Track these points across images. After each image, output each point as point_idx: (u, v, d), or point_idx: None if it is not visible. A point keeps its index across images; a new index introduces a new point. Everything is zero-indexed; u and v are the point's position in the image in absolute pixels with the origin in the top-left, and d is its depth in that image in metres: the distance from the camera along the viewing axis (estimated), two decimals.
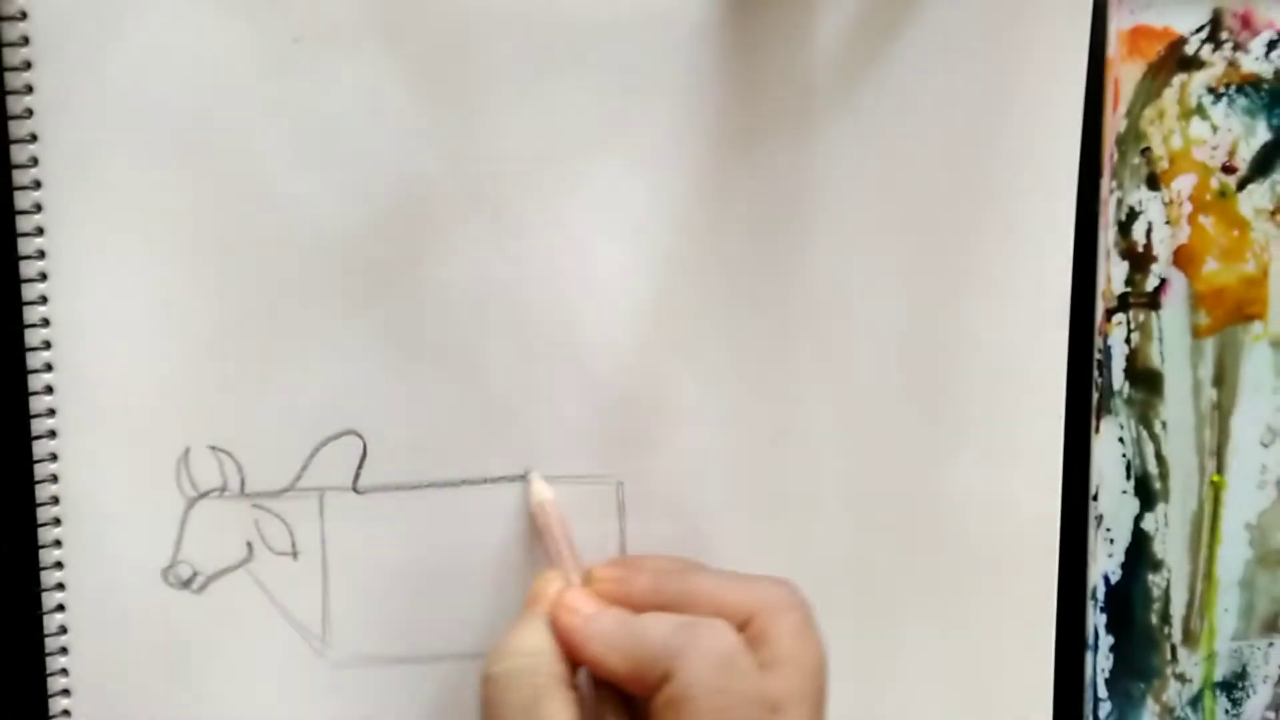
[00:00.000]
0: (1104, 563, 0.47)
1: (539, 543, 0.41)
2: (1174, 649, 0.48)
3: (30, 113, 0.37)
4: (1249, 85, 0.46)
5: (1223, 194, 0.46)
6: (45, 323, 0.38)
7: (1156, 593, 0.47)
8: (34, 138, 0.37)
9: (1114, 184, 0.45)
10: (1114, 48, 0.45)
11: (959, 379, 0.44)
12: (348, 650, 0.41)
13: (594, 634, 0.36)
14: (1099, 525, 0.47)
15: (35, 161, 0.38)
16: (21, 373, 0.38)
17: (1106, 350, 0.46)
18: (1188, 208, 0.46)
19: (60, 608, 0.39)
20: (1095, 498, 0.46)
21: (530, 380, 0.41)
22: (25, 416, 0.38)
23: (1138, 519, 0.47)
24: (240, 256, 0.39)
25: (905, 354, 0.43)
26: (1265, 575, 0.48)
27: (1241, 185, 0.46)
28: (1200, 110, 0.46)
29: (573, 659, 0.37)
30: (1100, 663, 0.47)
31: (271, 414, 0.40)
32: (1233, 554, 0.48)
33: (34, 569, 0.39)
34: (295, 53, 0.39)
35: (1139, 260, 0.46)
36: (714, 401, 0.42)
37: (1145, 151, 0.45)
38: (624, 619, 0.37)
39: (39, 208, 0.38)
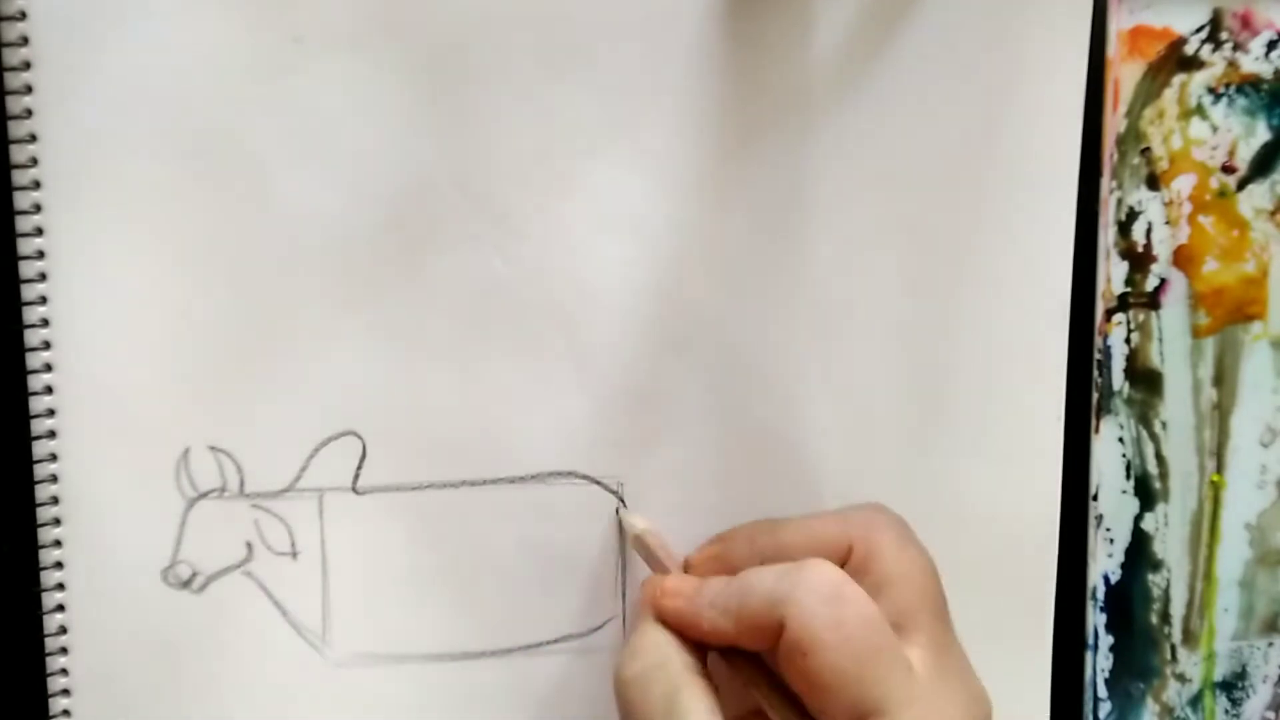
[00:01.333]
0: (1104, 563, 0.47)
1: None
2: (1174, 649, 0.48)
3: (30, 113, 0.37)
4: (1249, 85, 0.46)
5: (1222, 194, 0.46)
6: (45, 323, 0.38)
7: (1156, 593, 0.47)
8: (34, 138, 0.37)
9: (1114, 184, 0.45)
10: (1114, 48, 0.45)
11: (959, 379, 0.44)
12: (348, 650, 0.41)
13: (701, 608, 0.37)
14: (1099, 525, 0.47)
15: (35, 161, 0.38)
16: (21, 373, 0.38)
17: (1106, 350, 0.46)
18: (1187, 208, 0.46)
19: (60, 608, 0.39)
20: (1095, 498, 0.46)
21: (530, 380, 0.41)
22: (25, 416, 0.38)
23: (1138, 519, 0.47)
24: (240, 256, 0.39)
25: (905, 354, 0.43)
26: (1265, 575, 0.48)
27: (1241, 185, 0.46)
28: (1200, 110, 0.46)
29: (692, 641, 0.37)
30: (1100, 663, 0.47)
31: (271, 414, 0.40)
32: (1232, 554, 0.48)
33: (34, 569, 0.39)
34: (295, 53, 0.39)
35: (1139, 260, 0.46)
36: (714, 401, 0.42)
37: (1145, 151, 0.45)
38: (726, 583, 0.37)
39: (39, 208, 0.38)
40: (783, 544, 0.38)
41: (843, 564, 0.37)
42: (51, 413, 0.38)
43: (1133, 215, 0.46)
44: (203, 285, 0.39)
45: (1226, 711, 0.49)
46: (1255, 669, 0.49)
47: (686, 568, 0.40)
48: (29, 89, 0.37)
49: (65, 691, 0.39)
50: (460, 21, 0.39)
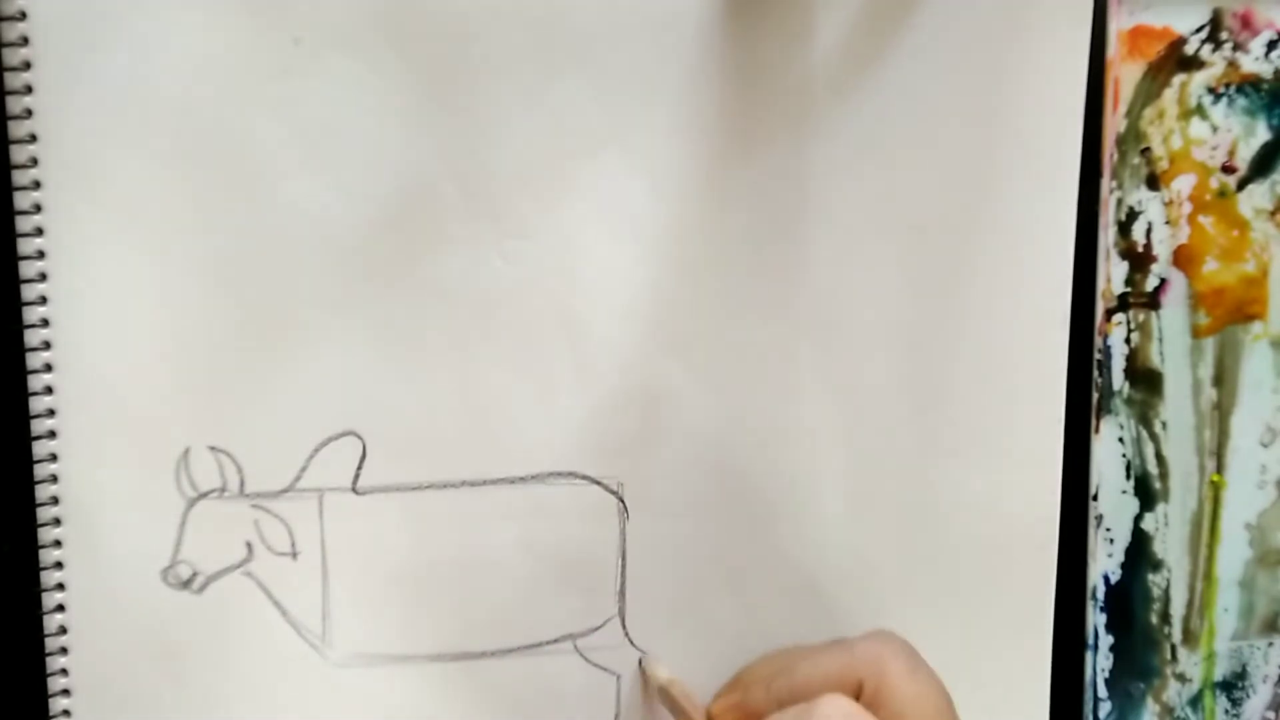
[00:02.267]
0: (1104, 563, 0.47)
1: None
2: (1174, 649, 0.48)
3: (30, 113, 0.37)
4: (1249, 85, 0.46)
5: (1222, 194, 0.46)
6: (45, 323, 0.38)
7: (1156, 593, 0.47)
8: (34, 138, 0.37)
9: (1114, 184, 0.45)
10: (1114, 48, 0.45)
11: (959, 379, 0.44)
12: (348, 650, 0.41)
13: None
14: (1099, 525, 0.47)
15: (35, 161, 0.38)
16: (21, 373, 0.38)
17: (1106, 350, 0.46)
18: (1188, 208, 0.46)
19: (60, 608, 0.39)
20: (1095, 498, 0.46)
21: (530, 380, 0.41)
22: (25, 416, 0.38)
23: (1138, 519, 0.47)
24: (240, 256, 0.39)
25: (905, 354, 0.43)
26: (1265, 575, 0.48)
27: (1241, 185, 0.46)
28: (1200, 110, 0.46)
29: None
30: (1100, 663, 0.47)
31: (271, 414, 0.40)
32: (1232, 554, 0.48)
33: (34, 569, 0.39)
34: (295, 53, 0.39)
35: (1139, 260, 0.46)
36: (714, 402, 0.42)
37: (1145, 151, 0.45)
38: None
39: (39, 208, 0.38)
40: (796, 685, 0.38)
41: (856, 698, 0.37)
42: (51, 413, 0.38)
43: (1133, 215, 0.46)
44: (203, 285, 0.39)
45: (1226, 711, 0.49)
46: (1255, 669, 0.49)
47: (709, 717, 0.41)
48: (29, 89, 0.37)
49: (65, 691, 0.39)
50: (460, 22, 0.39)
